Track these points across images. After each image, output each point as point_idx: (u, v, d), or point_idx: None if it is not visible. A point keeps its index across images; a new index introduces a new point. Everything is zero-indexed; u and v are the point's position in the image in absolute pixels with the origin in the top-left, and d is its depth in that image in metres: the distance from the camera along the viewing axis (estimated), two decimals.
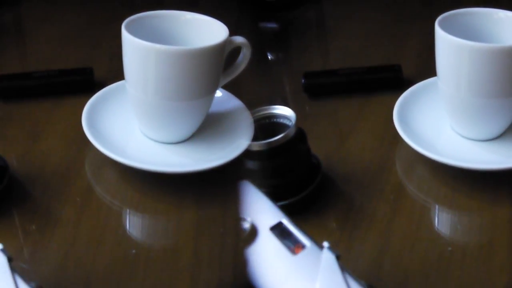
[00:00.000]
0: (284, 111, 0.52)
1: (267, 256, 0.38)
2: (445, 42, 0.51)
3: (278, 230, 0.39)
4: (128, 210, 0.53)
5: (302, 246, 0.38)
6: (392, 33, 0.69)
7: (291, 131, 0.51)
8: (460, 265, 0.48)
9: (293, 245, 0.38)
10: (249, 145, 0.50)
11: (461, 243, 0.50)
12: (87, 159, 0.57)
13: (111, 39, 0.67)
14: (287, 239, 0.39)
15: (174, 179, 0.54)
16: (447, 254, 0.49)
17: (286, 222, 0.39)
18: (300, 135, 0.52)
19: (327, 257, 0.37)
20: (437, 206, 0.53)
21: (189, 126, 0.55)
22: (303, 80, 0.62)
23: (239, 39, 0.54)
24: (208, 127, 0.56)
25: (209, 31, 0.54)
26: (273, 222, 0.40)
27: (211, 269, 0.48)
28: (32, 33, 0.72)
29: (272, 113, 0.53)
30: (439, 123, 0.55)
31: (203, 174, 0.52)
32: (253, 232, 0.39)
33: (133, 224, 0.53)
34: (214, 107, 0.56)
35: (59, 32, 0.71)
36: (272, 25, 0.73)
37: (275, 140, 0.50)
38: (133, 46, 0.52)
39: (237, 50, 0.56)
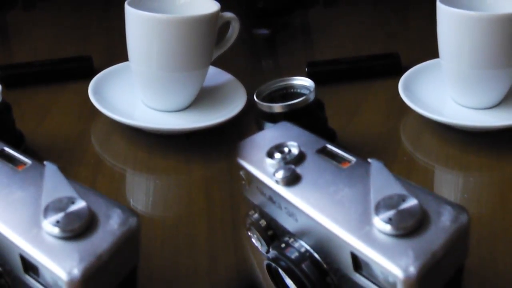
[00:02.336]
0: (302, 81, 0.58)
1: (316, 173, 0.43)
2: (446, 15, 0.59)
3: (324, 152, 0.45)
4: (140, 170, 0.60)
5: (349, 161, 0.43)
6: (384, 32, 0.77)
7: (311, 95, 0.57)
8: (477, 217, 0.54)
9: (340, 162, 0.44)
10: (270, 107, 0.56)
11: (475, 198, 0.56)
12: (96, 129, 0.64)
13: (102, 35, 0.77)
14: (334, 158, 0.44)
15: (179, 141, 0.62)
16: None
17: (331, 146, 0.45)
18: (318, 104, 0.58)
19: (375, 165, 0.42)
20: (448, 167, 0.59)
21: (188, 95, 0.63)
22: (306, 69, 0.68)
23: (228, 14, 0.63)
24: (204, 97, 0.64)
25: (203, 9, 0.62)
26: (318, 146, 0.45)
27: (225, 215, 0.55)
28: (24, 35, 0.78)
29: (291, 83, 0.59)
30: (440, 95, 0.63)
31: (207, 135, 0.61)
32: (301, 155, 0.44)
33: (146, 182, 0.60)
34: (208, 82, 0.65)
35: (51, 32, 0.78)
36: (264, 31, 0.80)
37: (296, 102, 0.56)
38: (136, 19, 0.60)
39: (226, 28, 0.64)
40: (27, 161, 0.45)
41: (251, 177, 0.45)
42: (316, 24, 0.82)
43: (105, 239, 0.40)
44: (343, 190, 0.41)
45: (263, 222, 0.47)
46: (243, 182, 0.46)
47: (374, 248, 0.37)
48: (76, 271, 0.38)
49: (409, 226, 0.37)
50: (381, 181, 0.41)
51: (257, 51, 0.79)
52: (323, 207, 0.40)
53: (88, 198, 0.42)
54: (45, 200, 0.42)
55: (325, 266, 0.42)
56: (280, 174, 0.43)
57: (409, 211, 0.38)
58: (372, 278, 0.39)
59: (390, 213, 0.38)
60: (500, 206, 0.55)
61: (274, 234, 0.47)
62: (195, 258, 0.52)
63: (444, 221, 0.38)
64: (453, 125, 0.60)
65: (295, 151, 0.45)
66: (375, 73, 0.69)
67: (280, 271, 0.45)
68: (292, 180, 0.43)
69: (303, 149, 0.45)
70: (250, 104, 0.62)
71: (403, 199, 0.39)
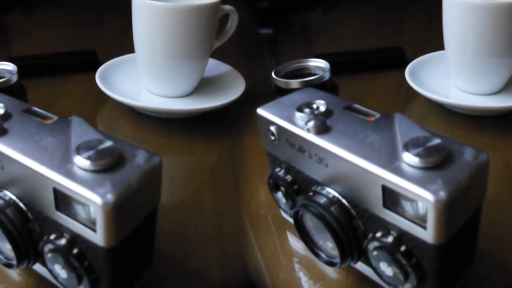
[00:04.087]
0: (317, 63, 0.64)
1: (345, 124, 0.49)
2: (451, 4, 0.67)
3: (350, 108, 0.51)
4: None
5: (374, 116, 0.49)
6: (383, 32, 0.85)
7: (326, 74, 0.62)
8: None
9: (366, 116, 0.49)
10: (287, 84, 0.62)
11: None
12: (102, 114, 0.70)
13: (101, 35, 0.85)
14: (360, 113, 0.50)
15: (182, 124, 0.69)
16: None
17: (356, 104, 0.51)
18: (333, 84, 0.64)
19: (399, 117, 0.48)
20: None
21: (190, 82, 0.71)
22: None
23: (228, 7, 0.71)
24: (205, 85, 0.72)
25: (204, 0, 0.69)
26: (344, 104, 0.51)
27: (229, 186, 0.62)
28: (24, 37, 0.85)
29: (307, 65, 0.65)
30: (445, 82, 0.70)
31: (208, 119, 0.69)
32: (329, 110, 0.50)
33: None
34: (209, 72, 0.72)
35: (51, 34, 0.85)
36: (267, 31, 0.87)
37: (312, 79, 0.62)
38: (142, 8, 0.67)
39: (225, 21, 0.72)
40: (54, 116, 0.51)
41: (281, 131, 0.51)
42: (317, 25, 0.89)
43: (133, 171, 0.46)
44: (371, 136, 0.47)
45: (289, 177, 0.52)
46: (272, 138, 0.52)
47: (405, 178, 0.43)
48: (110, 196, 0.43)
49: (436, 160, 0.43)
50: (406, 128, 0.47)
51: (260, 49, 0.85)
52: (354, 149, 0.46)
53: (115, 141, 0.47)
54: (75, 142, 0.47)
55: (352, 210, 0.48)
56: (311, 123, 0.48)
57: (435, 147, 0.44)
58: (401, 212, 0.44)
59: (418, 150, 0.44)
60: (507, 181, 0.62)
61: (299, 188, 0.52)
62: (203, 221, 0.59)
63: (467, 158, 0.44)
64: (458, 107, 0.67)
65: (323, 107, 0.51)
66: (380, 65, 0.76)
67: (306, 220, 0.50)
68: (322, 129, 0.48)
69: (330, 107, 0.51)
70: (248, 93, 0.70)
71: (428, 139, 0.45)
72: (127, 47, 0.72)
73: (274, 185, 0.55)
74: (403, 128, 0.47)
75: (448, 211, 0.42)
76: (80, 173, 0.45)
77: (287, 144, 0.51)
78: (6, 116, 0.50)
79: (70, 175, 0.45)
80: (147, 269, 0.51)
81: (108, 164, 0.45)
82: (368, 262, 0.49)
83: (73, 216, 0.46)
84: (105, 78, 0.71)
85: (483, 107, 0.66)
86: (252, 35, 0.87)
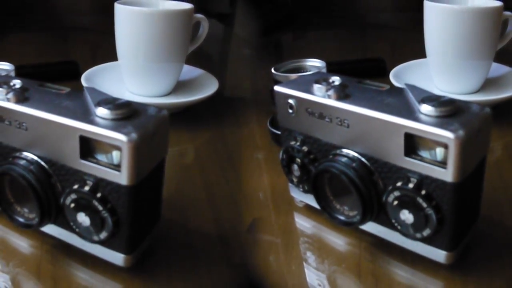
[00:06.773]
0: (314, 63, 0.75)
1: (362, 92, 0.59)
2: (432, 11, 0.79)
3: (363, 82, 0.61)
4: None
5: (385, 87, 0.60)
6: (367, 46, 0.97)
7: (324, 70, 0.73)
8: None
9: (379, 87, 0.60)
10: (287, 78, 0.72)
11: None
12: None
13: (82, 50, 1.00)
14: (372, 85, 0.61)
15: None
16: None
17: (367, 80, 0.61)
18: None
19: (409, 85, 0.59)
20: None
21: (169, 82, 0.84)
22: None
23: (199, 15, 0.87)
24: (182, 86, 0.86)
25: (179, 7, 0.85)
26: (357, 80, 0.61)
27: (214, 165, 0.76)
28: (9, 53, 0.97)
29: (304, 64, 0.75)
30: (426, 84, 0.81)
31: (186, 115, 0.83)
32: (344, 84, 0.60)
33: None
34: (184, 76, 0.87)
35: (34, 50, 0.99)
36: (245, 50, 0.98)
37: (310, 74, 0.72)
38: (125, 13, 0.81)
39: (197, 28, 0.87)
40: (67, 88, 0.61)
41: (301, 102, 0.61)
42: (290, 46, 1.02)
43: (148, 119, 0.57)
44: (388, 99, 0.58)
45: (305, 148, 0.62)
46: (290, 111, 0.62)
47: (427, 123, 0.53)
48: (134, 134, 0.54)
49: (450, 109, 0.55)
50: (418, 92, 0.58)
51: (238, 65, 0.97)
52: (375, 107, 0.57)
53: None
54: (94, 101, 0.57)
55: (371, 167, 0.57)
56: (331, 91, 0.59)
57: (447, 101, 0.56)
58: (421, 159, 0.54)
59: (433, 102, 0.55)
60: (494, 164, 0.74)
61: (315, 158, 0.62)
62: (195, 192, 0.71)
63: (474, 110, 0.56)
64: None
65: (338, 82, 0.61)
66: (363, 74, 0.87)
67: (323, 184, 0.60)
68: (343, 95, 0.59)
69: (344, 82, 0.61)
70: (221, 92, 0.86)
71: (440, 96, 0.56)
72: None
73: (289, 159, 0.64)
74: (415, 92, 0.58)
75: (465, 148, 0.52)
76: (103, 121, 0.55)
77: (306, 114, 0.61)
78: (25, 89, 0.59)
79: (95, 122, 0.55)
80: (156, 223, 0.61)
81: (126, 113, 0.56)
82: (385, 220, 0.58)
83: (97, 162, 0.55)
84: (90, 79, 0.83)
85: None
86: (231, 53, 0.99)
